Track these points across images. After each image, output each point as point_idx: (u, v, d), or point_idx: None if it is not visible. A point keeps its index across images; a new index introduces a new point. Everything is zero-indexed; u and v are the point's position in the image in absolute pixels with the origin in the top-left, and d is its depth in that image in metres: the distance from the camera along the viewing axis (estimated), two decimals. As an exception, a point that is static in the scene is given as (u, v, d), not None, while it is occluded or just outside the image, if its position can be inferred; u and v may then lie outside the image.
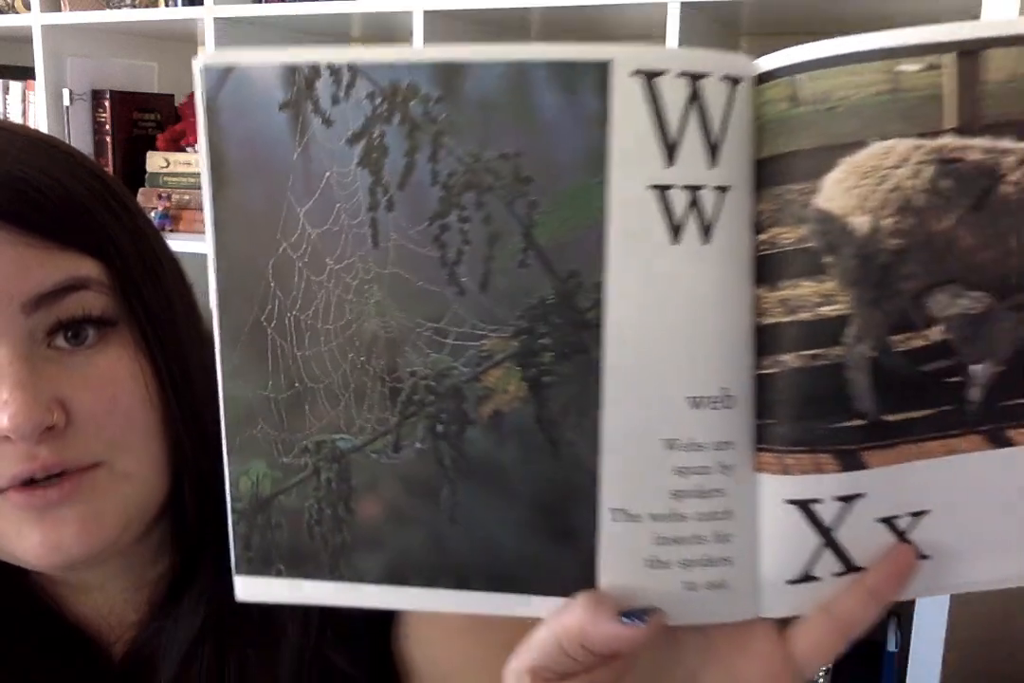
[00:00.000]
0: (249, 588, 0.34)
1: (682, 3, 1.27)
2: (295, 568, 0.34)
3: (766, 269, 0.31)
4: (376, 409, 0.32)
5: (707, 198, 0.30)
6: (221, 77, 0.31)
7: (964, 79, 0.30)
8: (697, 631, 0.33)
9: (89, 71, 1.79)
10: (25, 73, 1.85)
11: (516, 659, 0.32)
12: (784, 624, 0.33)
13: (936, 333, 0.32)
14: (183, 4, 1.70)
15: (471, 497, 0.32)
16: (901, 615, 1.61)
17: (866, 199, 0.31)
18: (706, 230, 0.30)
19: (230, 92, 0.31)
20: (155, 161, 1.82)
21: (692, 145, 0.30)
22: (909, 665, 1.36)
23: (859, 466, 0.32)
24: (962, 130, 0.30)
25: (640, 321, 0.30)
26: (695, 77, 0.29)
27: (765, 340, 0.31)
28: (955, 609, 1.36)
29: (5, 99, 1.88)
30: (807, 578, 0.33)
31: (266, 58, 0.30)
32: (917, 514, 0.33)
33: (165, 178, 1.82)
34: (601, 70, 0.29)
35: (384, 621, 0.55)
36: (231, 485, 0.34)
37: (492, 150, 0.30)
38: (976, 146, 0.30)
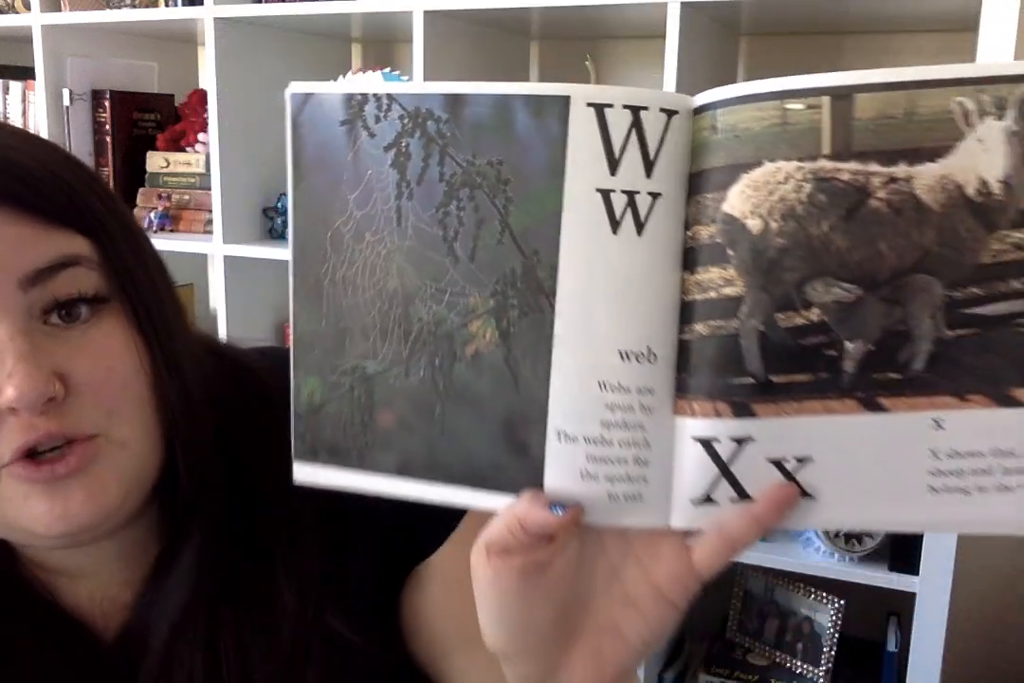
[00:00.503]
0: (302, 472, 0.45)
1: (682, 3, 1.29)
2: (334, 459, 0.45)
3: (689, 258, 0.41)
4: (394, 345, 0.43)
5: (641, 201, 0.40)
6: (303, 101, 0.43)
7: (837, 116, 0.39)
8: (619, 534, 0.43)
9: (89, 71, 1.80)
10: (25, 73, 1.86)
11: (478, 539, 0.42)
12: (689, 537, 0.42)
13: (814, 314, 0.40)
14: (183, 4, 1.72)
15: (456, 415, 0.43)
16: (901, 615, 1.62)
17: (759, 206, 0.39)
18: (640, 226, 0.40)
19: (308, 112, 0.43)
20: (155, 161, 1.83)
21: (631, 160, 0.39)
22: (909, 665, 1.37)
23: (749, 415, 0.41)
24: (835, 156, 0.39)
25: (584, 291, 0.40)
26: (637, 109, 0.39)
27: (685, 312, 0.41)
28: (955, 609, 1.36)
29: (5, 99, 1.88)
30: (707, 500, 0.41)
31: (333, 88, 0.42)
32: (802, 460, 0.41)
33: (165, 178, 1.82)
34: (563, 102, 0.39)
35: (391, 591, 0.59)
36: (295, 394, 0.45)
37: (482, 158, 0.41)
38: (846, 169, 0.39)
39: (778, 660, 1.64)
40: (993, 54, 1.17)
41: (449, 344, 0.43)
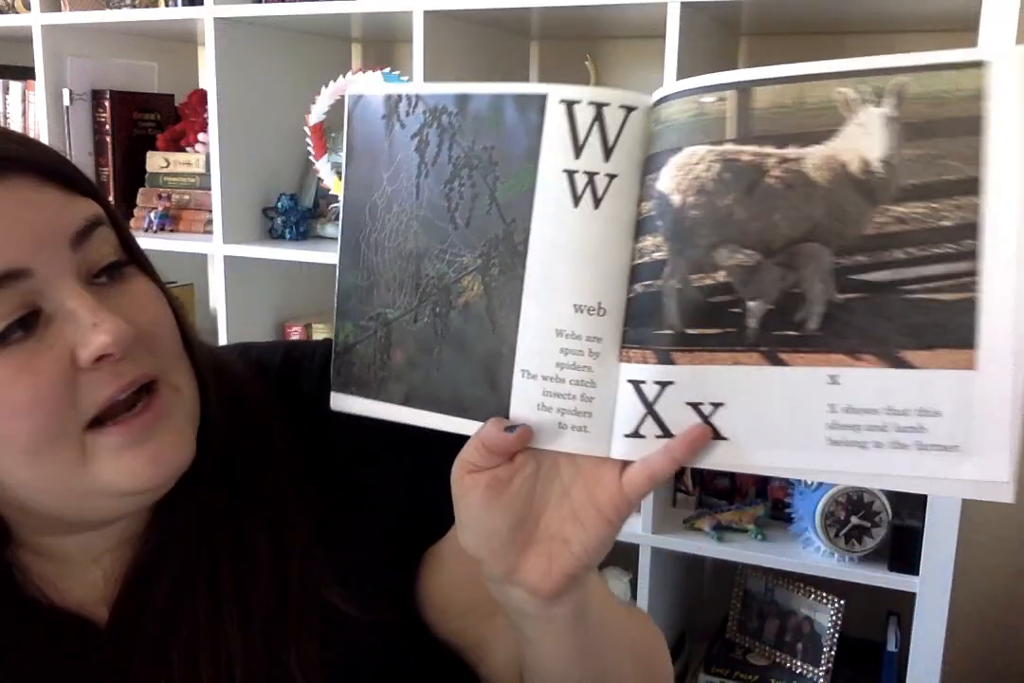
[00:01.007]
0: (336, 401, 0.56)
1: (682, 3, 1.30)
2: (360, 390, 0.55)
3: (637, 229, 0.48)
4: (407, 295, 0.53)
5: (600, 181, 0.48)
6: (356, 100, 0.54)
7: (740, 107, 0.45)
8: (571, 461, 0.51)
9: (89, 71, 1.81)
10: (25, 73, 1.87)
11: (456, 459, 0.51)
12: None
13: (721, 276, 0.47)
14: (183, 4, 1.72)
15: (449, 354, 0.52)
16: (901, 615, 1.61)
17: (680, 184, 0.47)
18: (597, 201, 0.48)
19: (359, 108, 0.54)
20: (155, 161, 1.84)
21: (593, 147, 0.48)
22: (909, 665, 1.38)
23: (669, 362, 0.48)
24: (738, 140, 0.46)
25: (548, 254, 0.49)
26: (600, 105, 0.47)
27: (632, 274, 0.49)
28: (955, 609, 1.36)
29: (5, 99, 1.89)
30: (637, 434, 0.49)
31: (377, 90, 0.53)
32: (716, 405, 0.47)
33: (165, 178, 1.83)
34: (541, 99, 0.48)
35: (398, 571, 0.64)
36: (335, 336, 0.56)
37: (479, 144, 0.50)
38: (747, 151, 0.46)
39: (778, 660, 1.65)
40: (993, 54, 1.17)
41: (447, 295, 0.52)
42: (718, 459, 0.48)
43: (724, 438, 0.47)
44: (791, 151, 0.45)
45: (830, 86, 0.44)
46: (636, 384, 0.48)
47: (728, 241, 0.47)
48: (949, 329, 0.43)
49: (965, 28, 1.34)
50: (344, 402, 0.56)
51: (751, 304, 0.46)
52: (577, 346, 0.48)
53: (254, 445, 0.62)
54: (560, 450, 0.50)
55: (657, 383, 0.48)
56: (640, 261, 0.48)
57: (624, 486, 0.49)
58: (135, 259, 0.57)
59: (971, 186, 0.43)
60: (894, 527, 1.44)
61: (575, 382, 0.49)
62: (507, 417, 0.50)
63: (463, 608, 0.65)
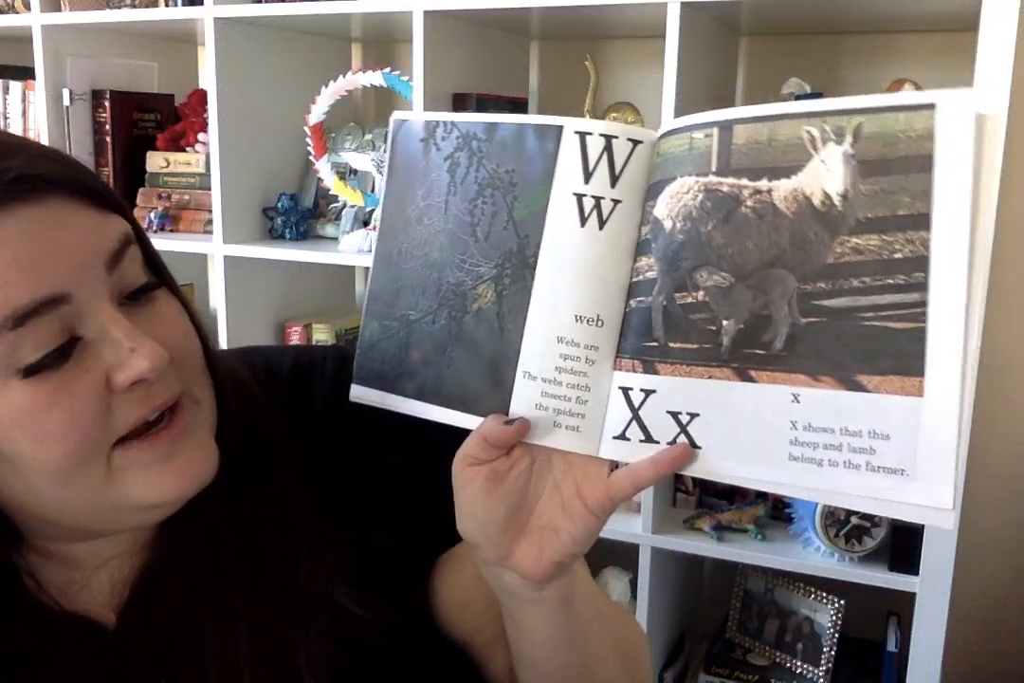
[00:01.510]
0: (356, 391, 0.63)
1: (682, 3, 1.31)
2: (380, 384, 0.61)
3: (637, 250, 0.54)
4: (428, 300, 0.59)
5: (605, 205, 0.53)
6: (400, 125, 0.61)
7: (722, 142, 0.51)
8: (563, 457, 0.56)
9: (89, 71, 1.82)
10: (25, 73, 1.89)
11: (457, 452, 0.55)
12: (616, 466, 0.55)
13: (700, 295, 0.52)
14: (183, 4, 1.73)
15: (460, 354, 0.58)
16: (901, 615, 1.61)
17: (671, 211, 0.52)
18: (602, 223, 0.53)
19: (402, 132, 0.61)
20: (155, 161, 1.85)
21: (601, 174, 0.53)
22: (909, 665, 1.38)
23: (653, 372, 0.53)
24: (719, 172, 0.51)
25: (556, 268, 0.54)
26: (609, 137, 0.53)
27: (630, 291, 0.54)
28: (955, 609, 1.37)
29: (5, 99, 1.90)
30: (623, 437, 0.54)
31: (418, 117, 0.60)
32: (693, 415, 0.51)
33: (165, 178, 1.84)
34: (558, 129, 0.54)
35: (410, 573, 0.66)
36: (361, 333, 0.62)
37: (502, 168, 0.57)
38: (726, 182, 0.51)
39: (778, 660, 1.66)
40: (993, 54, 1.17)
41: (463, 301, 0.57)
42: (690, 467, 0.52)
43: (698, 447, 0.52)
44: (763, 184, 0.50)
45: (798, 125, 0.48)
46: (625, 391, 0.53)
47: (707, 264, 0.52)
48: (899, 356, 0.47)
49: (965, 28, 1.35)
50: (363, 393, 0.62)
51: (725, 323, 0.51)
52: (576, 353, 0.54)
53: (259, 448, 0.63)
54: (553, 446, 0.55)
55: (643, 391, 0.53)
56: (636, 279, 0.54)
57: (610, 486, 0.54)
58: (159, 275, 0.58)
59: (922, 221, 0.46)
60: (894, 527, 1.48)
61: (571, 385, 0.54)
62: (507, 414, 0.55)
63: (483, 606, 0.67)
